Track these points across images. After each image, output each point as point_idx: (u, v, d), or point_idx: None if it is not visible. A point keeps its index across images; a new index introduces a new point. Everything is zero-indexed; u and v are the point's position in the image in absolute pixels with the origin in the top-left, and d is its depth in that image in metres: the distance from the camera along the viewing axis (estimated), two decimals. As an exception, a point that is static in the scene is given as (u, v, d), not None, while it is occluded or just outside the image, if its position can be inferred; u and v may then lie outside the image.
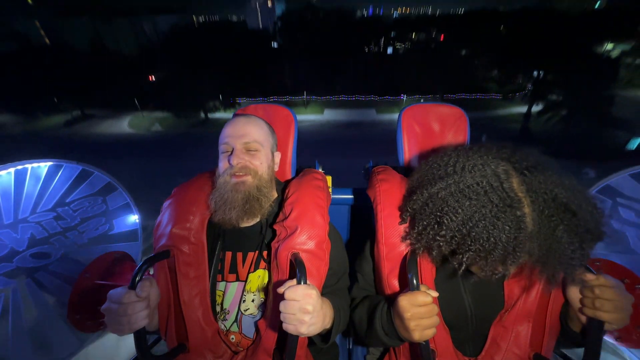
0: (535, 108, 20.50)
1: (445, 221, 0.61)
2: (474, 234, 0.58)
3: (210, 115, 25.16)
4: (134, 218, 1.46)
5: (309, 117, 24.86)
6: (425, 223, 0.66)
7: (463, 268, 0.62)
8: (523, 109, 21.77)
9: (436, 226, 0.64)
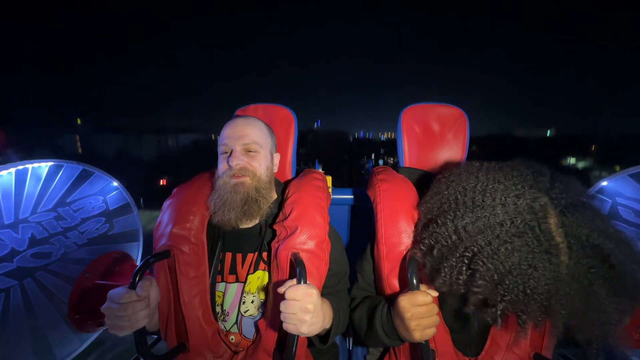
0: None
1: (479, 267, 0.53)
2: (507, 282, 0.51)
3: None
4: (133, 216, 1.47)
5: None
6: (452, 264, 0.58)
7: (499, 323, 0.54)
8: None
9: (465, 270, 0.56)
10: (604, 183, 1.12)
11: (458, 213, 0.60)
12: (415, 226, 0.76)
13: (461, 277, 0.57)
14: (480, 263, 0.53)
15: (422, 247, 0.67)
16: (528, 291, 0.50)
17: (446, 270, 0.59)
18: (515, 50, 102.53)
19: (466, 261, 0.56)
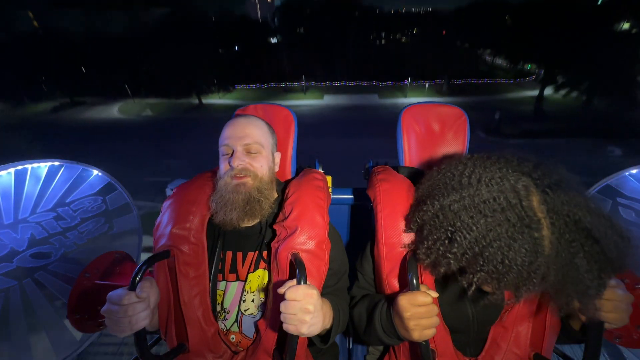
0: (548, 92, 19.62)
1: (458, 238, 0.57)
2: (487, 254, 0.54)
3: (204, 101, 24.08)
4: (133, 217, 1.46)
5: (308, 102, 23.83)
6: (435, 237, 0.62)
7: (473, 289, 0.58)
8: (534, 92, 20.74)
9: (447, 242, 0.60)
10: (605, 183, 1.12)
11: (445, 194, 0.63)
12: (409, 210, 0.78)
13: (441, 248, 0.61)
14: (460, 234, 0.57)
15: (412, 227, 0.72)
16: (507, 262, 0.53)
17: (429, 242, 0.64)
18: None
19: (449, 234, 0.60)
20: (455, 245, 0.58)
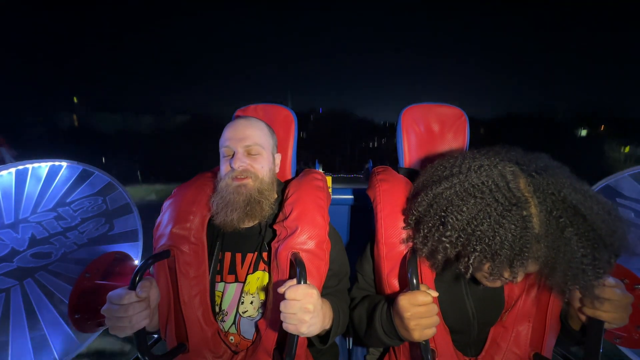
0: None
1: (450, 220, 0.60)
2: (479, 232, 0.56)
3: None
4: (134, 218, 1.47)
5: None
6: (430, 224, 0.64)
7: (470, 271, 0.59)
8: None
9: (441, 227, 0.62)
10: (605, 183, 1.12)
11: (437, 183, 0.67)
12: (406, 203, 0.80)
13: (436, 233, 0.63)
14: (452, 217, 0.60)
15: (410, 222, 0.73)
16: (498, 238, 0.54)
17: (425, 230, 0.66)
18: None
19: (442, 219, 0.62)
20: (449, 227, 0.60)
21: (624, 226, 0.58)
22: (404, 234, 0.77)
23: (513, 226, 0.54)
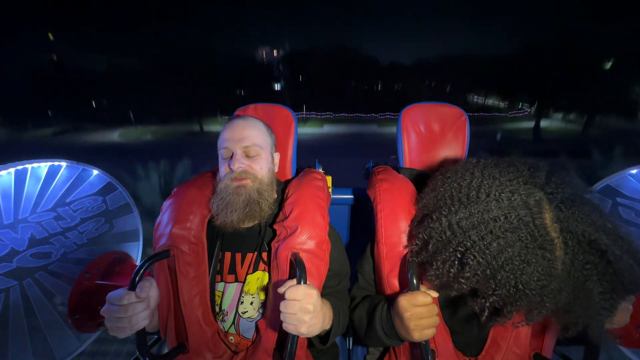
0: (545, 124, 20.36)
1: (469, 261, 0.54)
2: (499, 277, 0.51)
3: (205, 128, 24.42)
4: (133, 218, 1.47)
5: (307, 130, 24.09)
6: (444, 257, 0.59)
7: (486, 314, 0.55)
8: (529, 124, 21.18)
9: (457, 264, 0.56)
10: (605, 183, 1.12)
11: (452, 209, 0.59)
12: (412, 222, 0.76)
13: (452, 270, 0.57)
14: (472, 257, 0.54)
15: (417, 242, 0.67)
16: (520, 286, 0.50)
17: (438, 263, 0.60)
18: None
19: (459, 255, 0.56)
20: (467, 268, 0.55)
21: None
22: (404, 236, 0.77)
23: (537, 273, 0.50)
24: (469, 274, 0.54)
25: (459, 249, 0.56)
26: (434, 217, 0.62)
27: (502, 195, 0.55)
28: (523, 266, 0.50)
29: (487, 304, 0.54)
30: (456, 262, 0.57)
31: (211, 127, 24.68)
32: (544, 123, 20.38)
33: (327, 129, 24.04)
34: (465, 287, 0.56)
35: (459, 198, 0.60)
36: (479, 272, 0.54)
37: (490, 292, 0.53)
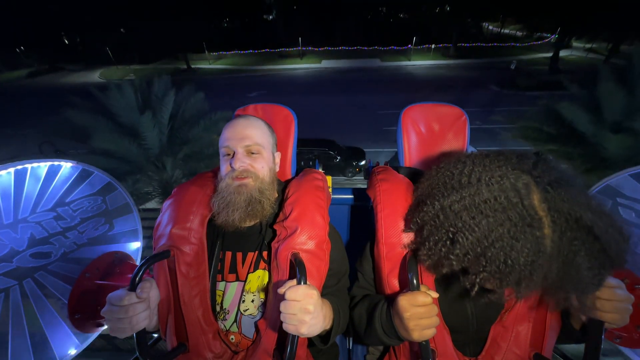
0: (564, 53, 18.50)
1: (460, 239, 0.57)
2: (489, 254, 0.54)
3: (193, 65, 22.16)
4: (133, 218, 1.47)
5: (304, 65, 21.46)
6: (436, 238, 0.62)
7: (476, 289, 0.57)
8: (548, 54, 19.28)
9: (449, 243, 0.59)
10: (605, 183, 1.12)
11: (445, 194, 0.63)
12: (408, 210, 0.77)
13: (443, 249, 0.60)
14: (463, 235, 0.57)
15: (412, 227, 0.71)
16: (509, 262, 0.53)
17: (431, 244, 0.63)
18: None
19: (450, 235, 0.59)
20: (458, 246, 0.57)
21: (630, 245, 0.57)
22: (404, 236, 0.77)
23: (526, 249, 0.52)
24: (459, 252, 0.57)
25: (451, 229, 0.59)
26: (428, 202, 0.66)
27: (492, 179, 0.58)
28: (512, 242, 0.53)
29: (478, 280, 0.56)
30: (448, 242, 0.60)
31: (199, 64, 22.77)
32: (563, 52, 18.71)
33: (325, 64, 22.13)
34: (455, 264, 0.59)
35: (452, 184, 0.64)
36: (469, 250, 0.57)
37: (481, 269, 0.56)
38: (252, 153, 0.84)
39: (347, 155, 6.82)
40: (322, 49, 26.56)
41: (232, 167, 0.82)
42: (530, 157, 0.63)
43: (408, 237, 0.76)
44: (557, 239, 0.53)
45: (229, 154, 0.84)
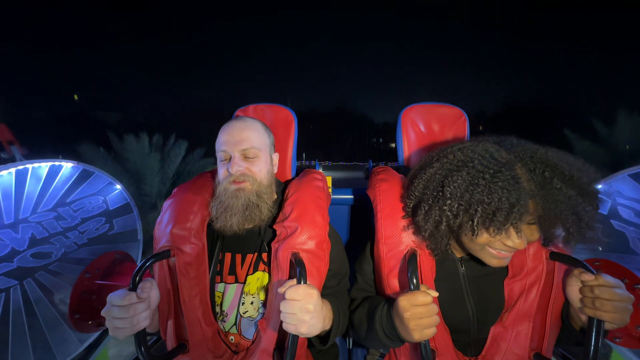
0: None
1: (448, 191, 0.64)
2: (477, 195, 0.61)
3: None
4: (133, 217, 1.47)
5: None
6: (430, 201, 0.68)
7: (476, 233, 0.62)
8: None
9: (440, 199, 0.66)
10: (604, 183, 1.12)
11: (432, 164, 0.72)
12: (401, 197, 0.82)
13: (436, 206, 0.67)
14: (449, 188, 0.65)
15: (407, 210, 0.77)
16: (495, 199, 0.59)
17: (425, 207, 0.69)
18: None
19: (440, 193, 0.67)
20: (448, 196, 0.64)
21: (594, 175, 0.67)
22: (404, 236, 0.77)
23: (506, 184, 0.59)
24: (450, 201, 0.64)
25: (439, 188, 0.67)
26: (418, 175, 0.74)
27: (465, 147, 0.70)
28: (492, 181, 0.61)
29: (475, 224, 0.62)
30: (439, 200, 0.66)
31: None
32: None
33: (326, 173, 27.35)
34: (450, 216, 0.65)
35: (438, 159, 0.73)
36: (459, 200, 0.63)
37: (473, 212, 0.62)
38: (249, 156, 0.83)
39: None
40: (323, 163, 31.54)
41: (229, 171, 0.81)
42: (493, 138, 0.74)
43: (408, 237, 0.76)
44: (530, 176, 0.63)
45: (225, 158, 0.83)
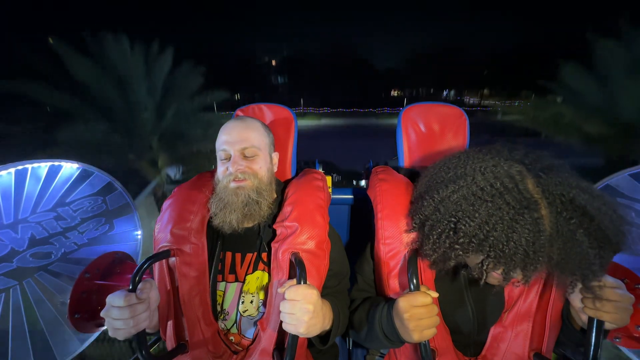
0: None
1: (462, 227, 0.58)
2: (492, 238, 0.55)
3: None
4: (133, 217, 1.47)
5: (305, 122, 24.88)
6: (439, 230, 0.63)
7: (485, 278, 0.59)
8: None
9: (452, 233, 0.60)
10: (605, 182, 1.12)
11: (442, 186, 0.65)
12: (408, 211, 0.78)
13: (447, 241, 0.61)
14: (464, 223, 0.58)
15: (414, 225, 0.71)
16: (512, 244, 0.54)
17: (434, 237, 0.64)
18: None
19: (452, 225, 0.61)
20: (461, 234, 0.58)
21: (626, 224, 0.59)
22: (404, 236, 0.77)
23: (526, 230, 0.53)
24: (462, 240, 0.58)
25: (452, 219, 0.61)
26: (427, 197, 0.67)
27: (486, 169, 0.61)
28: (512, 224, 0.54)
29: (485, 268, 0.57)
30: (451, 232, 0.61)
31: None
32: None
33: (325, 121, 25.15)
34: (461, 254, 0.60)
35: (449, 177, 0.66)
36: (472, 238, 0.57)
37: (485, 256, 0.57)
38: (249, 155, 0.84)
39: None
40: (321, 110, 30.16)
41: (229, 170, 0.82)
42: (520, 148, 0.66)
43: (408, 237, 0.76)
44: (554, 220, 0.55)
45: (225, 157, 0.84)
